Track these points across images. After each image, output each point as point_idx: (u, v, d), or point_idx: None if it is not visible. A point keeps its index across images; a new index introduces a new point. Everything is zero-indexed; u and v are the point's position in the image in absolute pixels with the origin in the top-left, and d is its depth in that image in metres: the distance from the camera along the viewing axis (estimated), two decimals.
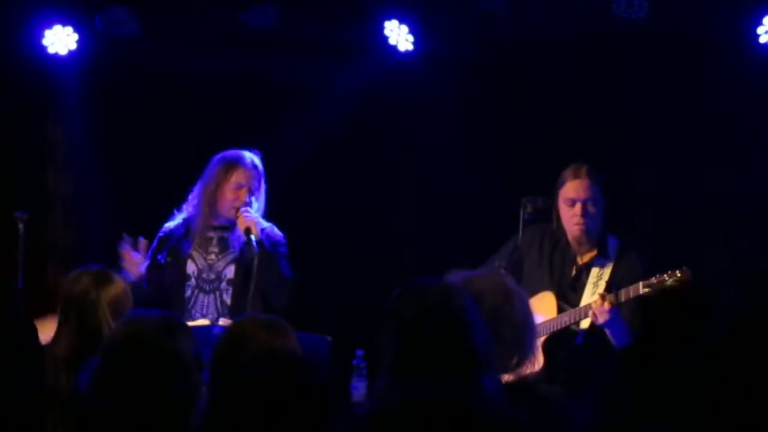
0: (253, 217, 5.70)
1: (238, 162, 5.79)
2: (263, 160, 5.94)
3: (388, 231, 7.22)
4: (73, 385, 4.05)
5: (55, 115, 7.18)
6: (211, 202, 5.78)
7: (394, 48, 6.77)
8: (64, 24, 6.88)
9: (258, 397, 3.21)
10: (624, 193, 6.63)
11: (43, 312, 4.55)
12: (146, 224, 5.98)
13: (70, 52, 6.91)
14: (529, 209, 5.69)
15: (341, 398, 5.33)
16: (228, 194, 5.76)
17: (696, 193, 6.74)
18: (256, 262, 5.63)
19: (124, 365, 3.19)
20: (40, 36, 6.89)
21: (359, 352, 5.55)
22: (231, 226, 5.81)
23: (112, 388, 3.17)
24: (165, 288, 5.75)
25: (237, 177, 5.77)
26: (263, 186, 5.84)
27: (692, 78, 6.78)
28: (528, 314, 3.58)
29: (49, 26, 6.88)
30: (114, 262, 5.66)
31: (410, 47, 6.74)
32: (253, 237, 5.64)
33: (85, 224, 7.08)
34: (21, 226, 6.03)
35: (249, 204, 5.73)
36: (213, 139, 6.26)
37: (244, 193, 5.74)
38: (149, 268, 5.71)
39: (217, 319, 5.63)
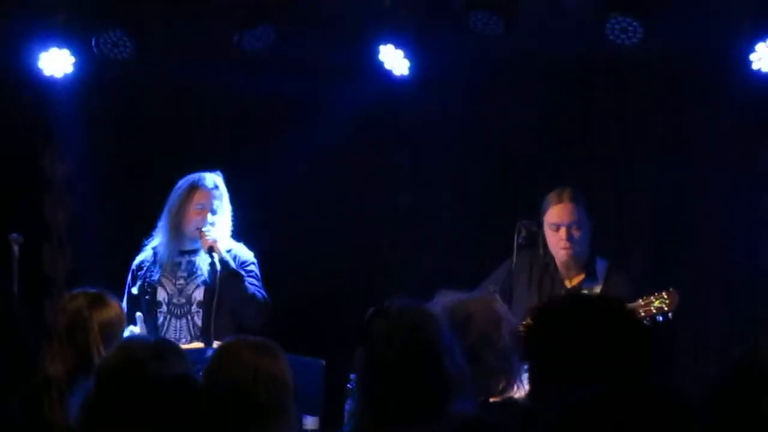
0: (215, 237, 5.87)
1: (197, 184, 6.01)
2: (238, 181, 6.11)
3: (383, 253, 7.35)
4: (66, 408, 4.16)
5: (50, 137, 7.30)
6: (176, 225, 6.00)
7: (389, 72, 6.89)
8: (60, 46, 6.97)
9: (242, 414, 3.32)
10: (616, 215, 6.77)
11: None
12: (134, 244, 6.18)
13: (66, 75, 7.01)
14: (523, 233, 5.78)
15: (335, 422, 5.44)
16: (192, 215, 5.97)
17: (688, 214, 6.88)
18: (218, 281, 5.80)
19: (117, 390, 3.28)
20: (36, 58, 6.99)
21: (353, 376, 5.65)
22: (198, 249, 6.01)
23: (106, 413, 3.27)
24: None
25: (198, 198, 5.99)
26: (227, 206, 6.03)
27: (685, 102, 6.93)
28: (515, 340, 3.70)
29: (45, 49, 6.97)
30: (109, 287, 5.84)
31: (405, 72, 6.86)
32: (215, 255, 5.82)
33: (81, 248, 7.21)
34: (16, 248, 6.15)
35: (212, 224, 5.89)
36: (208, 159, 6.42)
37: (206, 213, 5.93)
38: (126, 301, 5.89)
39: (190, 342, 5.80)
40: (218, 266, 5.85)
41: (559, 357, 2.70)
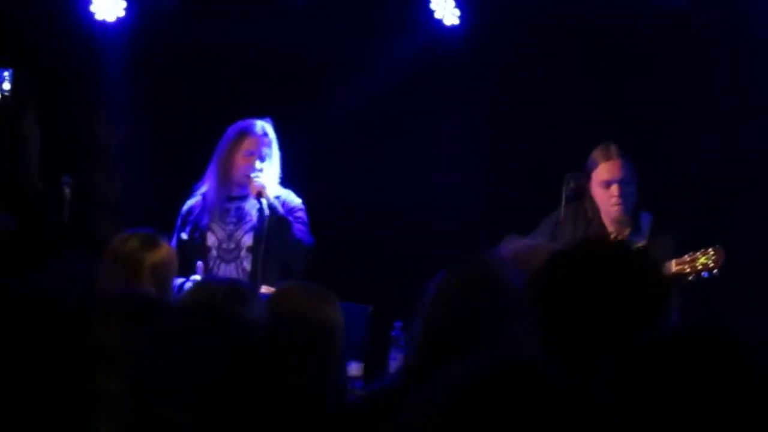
0: (264, 182, 6.02)
1: (247, 130, 6.13)
2: (286, 131, 6.23)
3: (429, 203, 7.45)
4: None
5: (100, 79, 7.41)
6: (225, 172, 6.13)
7: (439, 21, 6.96)
8: None
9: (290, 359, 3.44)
10: (662, 170, 6.83)
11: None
12: (186, 194, 6.31)
13: (118, 19, 7.16)
14: (572, 185, 5.86)
15: (379, 368, 5.55)
16: (240, 162, 6.10)
17: (736, 170, 6.93)
18: (266, 226, 5.96)
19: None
20: (88, 1, 7.15)
21: (398, 324, 5.79)
22: (247, 195, 6.16)
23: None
24: (191, 262, 6.07)
25: (247, 144, 6.11)
26: (276, 152, 6.16)
27: (732, 60, 6.96)
28: None
29: None
30: (157, 222, 6.01)
31: (456, 21, 6.92)
32: (263, 201, 5.98)
33: (130, 185, 7.32)
34: (67, 190, 6.30)
35: (260, 170, 6.05)
36: (252, 109, 6.53)
37: (254, 159, 6.07)
38: (176, 246, 6.04)
39: None
40: (266, 211, 5.99)
41: (568, 303, 2.62)
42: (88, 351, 2.07)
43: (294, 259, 6.06)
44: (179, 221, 6.20)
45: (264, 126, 6.16)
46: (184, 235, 6.14)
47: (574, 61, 7.22)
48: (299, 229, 6.08)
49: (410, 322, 5.48)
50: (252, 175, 6.05)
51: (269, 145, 6.13)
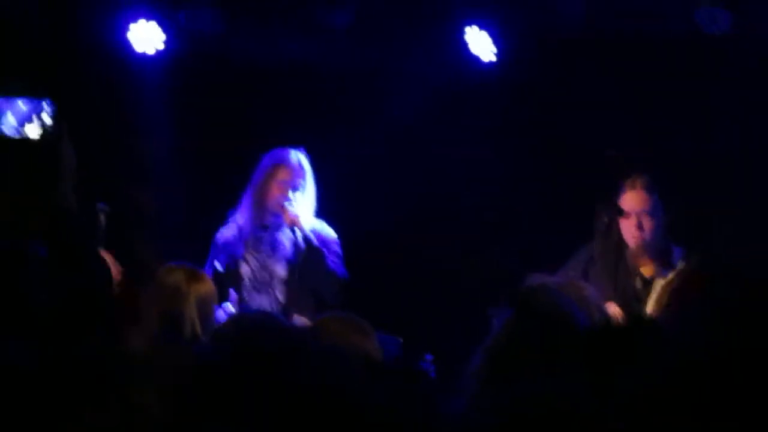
0: (298, 212, 6.10)
1: (282, 160, 6.23)
2: (321, 159, 6.31)
3: (463, 235, 7.49)
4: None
5: (138, 109, 7.51)
6: (259, 201, 6.23)
7: (474, 55, 7.03)
8: (148, 19, 7.22)
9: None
10: (699, 203, 6.84)
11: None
12: (220, 221, 6.40)
13: (157, 51, 7.26)
14: (604, 219, 5.91)
15: None
16: (274, 192, 6.19)
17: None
18: (300, 257, 6.02)
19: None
20: (125, 30, 7.24)
21: (428, 357, 5.84)
22: (281, 225, 6.24)
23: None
24: (222, 292, 6.14)
25: (282, 175, 6.21)
26: (310, 183, 6.25)
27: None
28: None
29: (134, 20, 7.22)
30: (192, 248, 6.12)
31: (491, 54, 6.99)
32: (297, 231, 6.03)
33: (167, 226, 7.41)
34: (102, 217, 6.37)
35: (294, 200, 6.12)
36: (288, 136, 6.62)
37: (289, 189, 6.15)
38: (210, 275, 6.11)
39: None
40: (300, 242, 6.06)
41: None
42: None
43: (327, 290, 6.13)
44: (213, 250, 6.28)
45: (299, 156, 6.25)
46: (218, 264, 6.22)
47: (610, 95, 7.25)
48: (333, 261, 6.15)
49: (440, 354, 5.56)
50: (286, 204, 6.12)
51: (303, 175, 6.21)
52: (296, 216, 6.11)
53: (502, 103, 7.39)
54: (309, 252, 6.09)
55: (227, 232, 6.31)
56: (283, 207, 6.14)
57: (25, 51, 7.13)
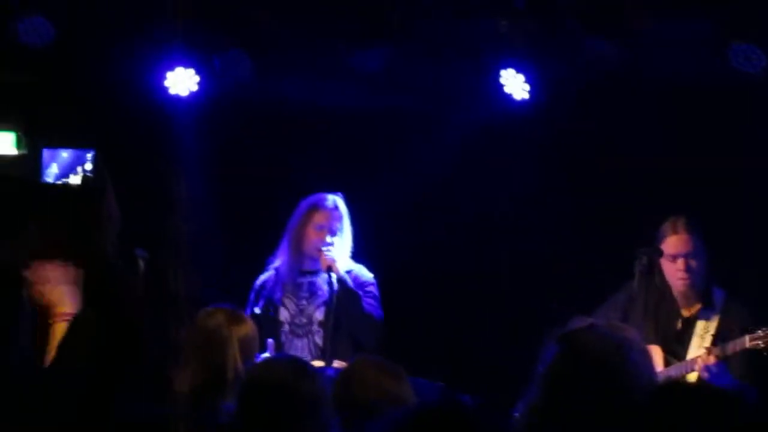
0: (334, 256, 6.14)
1: (318, 204, 6.31)
2: (357, 202, 6.38)
3: (497, 275, 7.54)
4: (198, 422, 4.37)
5: (176, 156, 7.60)
6: (296, 246, 6.30)
7: (509, 96, 7.09)
8: (186, 66, 7.35)
9: None
10: (730, 246, 6.87)
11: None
12: (259, 268, 6.46)
13: (191, 93, 7.37)
14: (644, 260, 5.91)
15: None
16: (312, 236, 6.26)
17: None
18: (335, 300, 6.08)
19: (262, 408, 3.52)
20: (162, 77, 7.36)
21: (466, 399, 5.86)
22: (319, 270, 6.30)
23: (250, 429, 3.51)
24: (262, 337, 6.19)
25: (319, 218, 6.28)
26: (347, 227, 6.30)
27: None
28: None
29: (171, 68, 7.36)
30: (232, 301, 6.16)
31: (526, 96, 7.05)
32: (332, 275, 6.09)
33: (204, 268, 7.48)
34: (141, 263, 6.44)
35: (331, 244, 6.18)
36: (324, 180, 6.69)
37: (325, 234, 6.20)
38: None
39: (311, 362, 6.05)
40: (335, 285, 6.12)
41: None
42: None
43: (364, 333, 6.17)
44: (252, 295, 6.35)
45: (335, 200, 6.32)
46: (257, 310, 6.28)
47: (642, 131, 7.30)
48: (369, 304, 6.19)
49: (479, 396, 5.58)
50: (323, 248, 6.18)
51: (340, 219, 6.27)
52: (333, 260, 6.17)
53: (536, 140, 7.43)
54: (344, 295, 6.14)
55: (266, 277, 6.37)
56: (320, 251, 6.20)
57: (68, 102, 7.26)
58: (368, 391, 3.74)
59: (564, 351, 3.14)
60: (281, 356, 3.79)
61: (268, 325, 6.24)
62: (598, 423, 2.99)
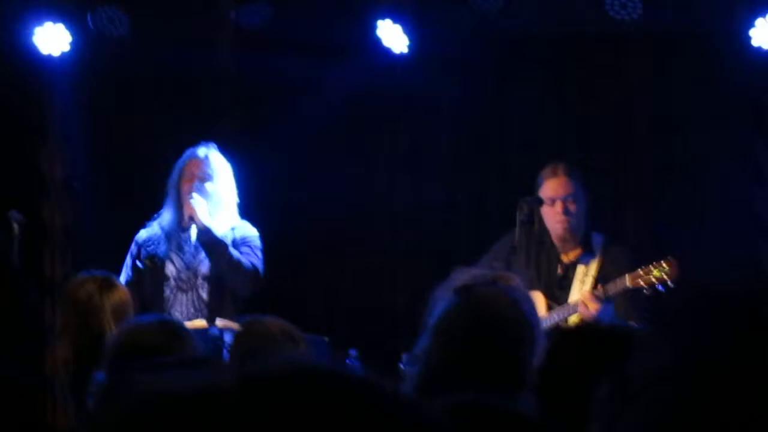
0: (196, 204, 6.05)
1: (190, 155, 6.23)
2: (242, 161, 6.31)
3: (380, 231, 7.56)
4: (73, 389, 4.30)
5: (47, 113, 7.43)
6: (176, 199, 6.20)
7: (388, 49, 7.09)
8: (55, 21, 7.14)
9: None
10: (613, 191, 6.99)
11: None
12: (136, 226, 6.38)
13: (63, 54, 7.19)
14: (525, 210, 5.93)
15: None
16: (185, 188, 6.17)
17: (684, 191, 7.08)
18: (202, 249, 6.05)
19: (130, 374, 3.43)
20: (31, 33, 7.15)
21: (353, 352, 5.89)
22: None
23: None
24: (145, 291, 6.14)
25: (190, 168, 6.19)
26: (223, 177, 6.21)
27: (684, 79, 7.13)
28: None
29: (40, 23, 7.14)
30: (107, 255, 6.09)
31: (405, 49, 7.06)
32: (193, 227, 6.04)
33: (81, 239, 7.37)
34: (16, 226, 6.30)
35: (199, 191, 6.09)
36: (204, 138, 6.62)
37: (195, 182, 6.13)
38: (130, 277, 6.11)
39: (195, 317, 6.00)
40: (193, 238, 6.04)
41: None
42: None
43: (235, 281, 6.11)
44: (135, 249, 6.24)
45: (206, 149, 6.23)
46: (139, 263, 6.20)
47: (523, 85, 7.37)
48: (245, 253, 6.11)
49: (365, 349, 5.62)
50: (188, 197, 6.11)
51: (209, 166, 6.19)
52: (193, 209, 6.05)
53: (417, 94, 7.45)
54: (208, 244, 6.03)
55: (150, 233, 6.28)
56: (187, 201, 6.12)
57: None
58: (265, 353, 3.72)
59: (462, 304, 3.10)
60: (148, 318, 3.66)
61: (153, 278, 6.16)
62: (496, 375, 2.98)
